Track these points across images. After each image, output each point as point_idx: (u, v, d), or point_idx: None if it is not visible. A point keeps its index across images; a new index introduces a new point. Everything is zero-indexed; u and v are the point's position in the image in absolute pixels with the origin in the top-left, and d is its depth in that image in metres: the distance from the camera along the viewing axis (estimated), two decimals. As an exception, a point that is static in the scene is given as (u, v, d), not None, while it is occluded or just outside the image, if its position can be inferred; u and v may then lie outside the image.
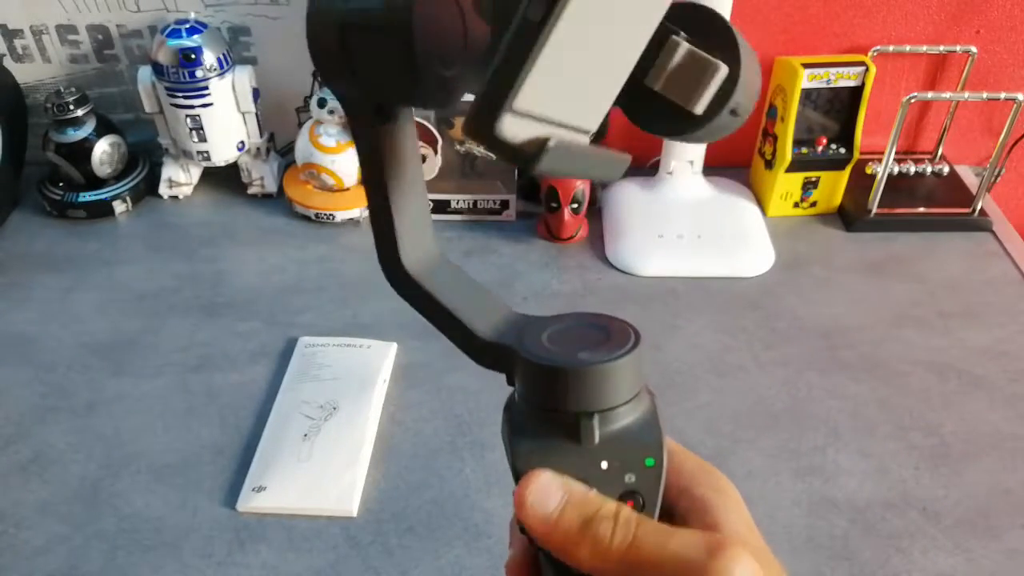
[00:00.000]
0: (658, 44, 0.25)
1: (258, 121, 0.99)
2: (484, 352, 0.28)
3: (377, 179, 0.26)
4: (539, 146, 0.21)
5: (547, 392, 0.26)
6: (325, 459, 0.69)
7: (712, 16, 0.26)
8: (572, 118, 0.23)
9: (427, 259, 0.28)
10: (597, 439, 0.25)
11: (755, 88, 0.26)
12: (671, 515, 0.28)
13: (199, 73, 0.92)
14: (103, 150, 0.97)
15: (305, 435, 0.71)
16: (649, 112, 0.26)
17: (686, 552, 0.23)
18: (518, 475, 0.26)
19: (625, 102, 0.26)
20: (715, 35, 0.25)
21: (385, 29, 0.24)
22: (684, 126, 0.26)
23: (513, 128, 0.20)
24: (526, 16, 0.20)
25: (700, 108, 0.25)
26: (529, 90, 0.20)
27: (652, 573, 0.23)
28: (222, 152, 0.99)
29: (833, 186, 0.97)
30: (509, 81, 0.20)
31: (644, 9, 0.24)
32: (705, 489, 0.28)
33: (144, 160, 1.04)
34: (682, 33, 0.26)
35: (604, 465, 0.26)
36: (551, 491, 0.24)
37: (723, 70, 0.25)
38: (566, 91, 0.22)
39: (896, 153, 0.92)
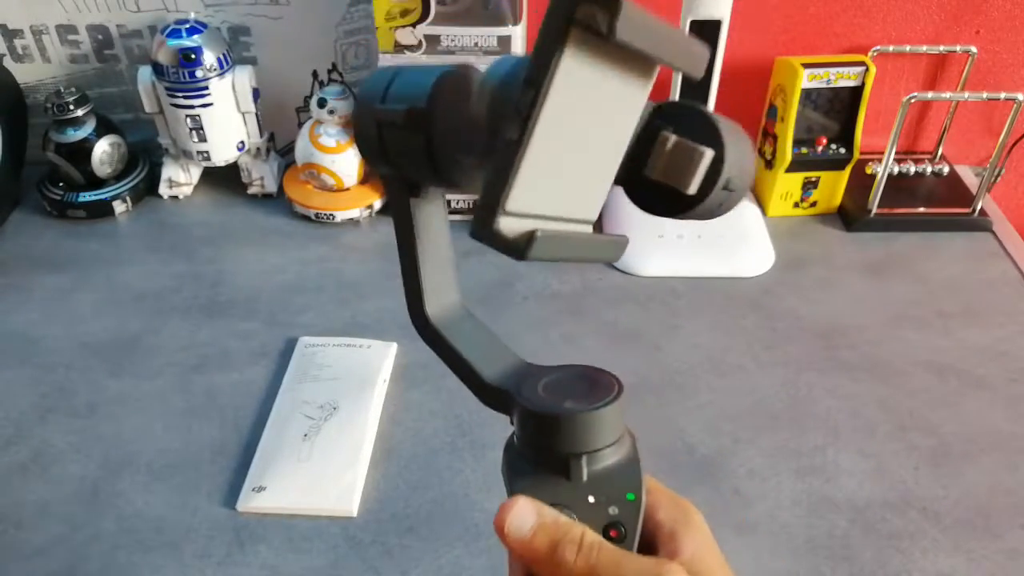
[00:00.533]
0: (651, 140, 0.30)
1: (258, 121, 1.00)
2: (490, 395, 0.32)
3: (408, 243, 0.30)
4: (528, 238, 0.24)
5: (541, 435, 0.29)
6: (325, 459, 0.69)
7: (694, 110, 0.30)
8: (567, 211, 0.27)
9: (448, 310, 0.32)
10: (585, 477, 0.29)
11: (745, 163, 0.30)
12: (644, 540, 0.31)
13: (199, 73, 0.92)
14: (103, 150, 0.97)
15: (305, 435, 0.71)
16: (653, 198, 0.31)
17: (639, 571, 0.27)
18: None
19: (631, 192, 0.31)
20: (699, 125, 0.30)
21: (409, 128, 0.29)
22: (683, 206, 0.30)
23: (510, 226, 0.24)
24: (506, 136, 0.24)
25: (693, 189, 0.29)
26: (516, 195, 0.24)
27: None
28: (222, 152, 0.99)
29: (833, 186, 0.97)
30: (498, 191, 0.24)
31: (618, 115, 0.28)
32: (674, 521, 0.31)
33: (144, 160, 1.04)
34: (671, 128, 0.30)
35: (591, 499, 0.29)
36: (526, 515, 0.28)
37: (708, 154, 0.29)
38: (554, 190, 0.26)
39: (896, 153, 0.92)
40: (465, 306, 0.33)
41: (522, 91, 0.24)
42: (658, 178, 0.30)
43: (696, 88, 0.90)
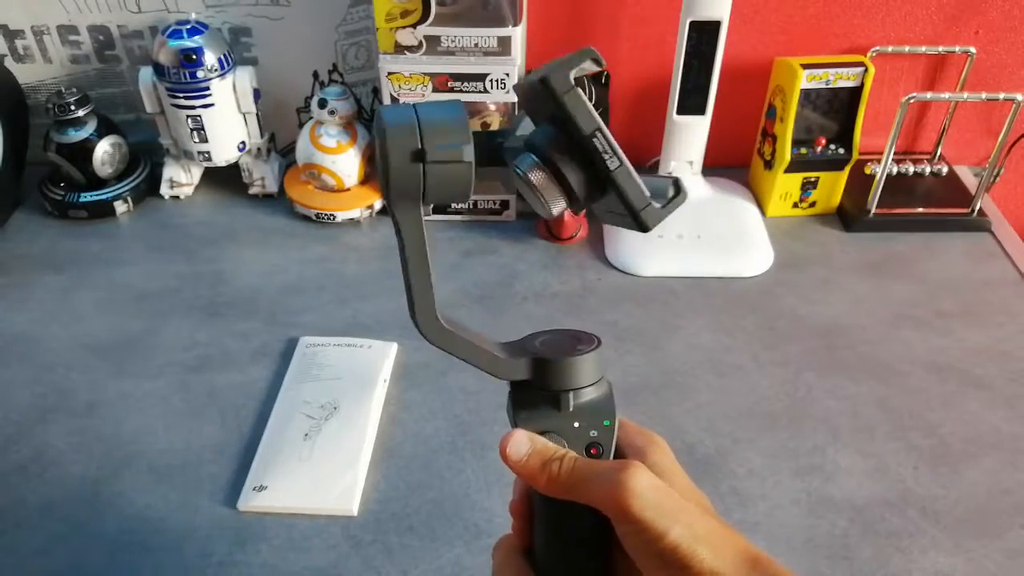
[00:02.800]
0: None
1: (259, 121, 1.00)
2: (503, 368, 0.38)
3: (421, 258, 0.36)
4: (661, 210, 0.35)
5: (538, 377, 0.38)
6: (326, 459, 0.70)
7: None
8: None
9: (443, 313, 0.38)
10: (571, 408, 0.38)
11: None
12: (621, 458, 0.39)
13: (200, 74, 0.92)
14: (104, 150, 0.97)
15: (306, 435, 0.72)
16: (609, 213, 0.39)
17: (605, 470, 0.35)
18: None
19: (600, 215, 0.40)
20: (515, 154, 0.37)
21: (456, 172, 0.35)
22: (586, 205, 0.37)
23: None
24: (609, 167, 0.35)
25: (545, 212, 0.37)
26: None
27: (585, 486, 0.36)
28: (223, 152, 0.99)
29: (832, 186, 0.97)
30: (639, 192, 0.35)
31: None
32: (642, 443, 0.39)
33: (145, 160, 1.04)
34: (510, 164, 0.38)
35: (576, 425, 0.38)
36: (522, 443, 0.37)
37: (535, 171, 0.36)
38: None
39: (895, 153, 0.93)
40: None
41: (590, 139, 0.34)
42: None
43: (695, 89, 0.90)
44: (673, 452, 0.39)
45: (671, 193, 0.35)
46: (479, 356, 0.38)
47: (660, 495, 0.34)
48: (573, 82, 0.33)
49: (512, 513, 0.41)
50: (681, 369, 0.79)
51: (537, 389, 0.38)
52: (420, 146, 0.34)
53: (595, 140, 0.34)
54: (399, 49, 0.88)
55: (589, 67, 0.35)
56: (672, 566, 0.33)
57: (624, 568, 0.37)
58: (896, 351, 0.81)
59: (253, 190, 1.03)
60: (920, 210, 0.97)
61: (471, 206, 0.97)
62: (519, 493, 0.41)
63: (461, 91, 0.88)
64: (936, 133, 1.05)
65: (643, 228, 0.35)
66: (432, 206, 0.99)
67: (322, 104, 0.94)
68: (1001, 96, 0.88)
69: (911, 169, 0.98)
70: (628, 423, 0.41)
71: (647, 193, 0.34)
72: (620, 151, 0.34)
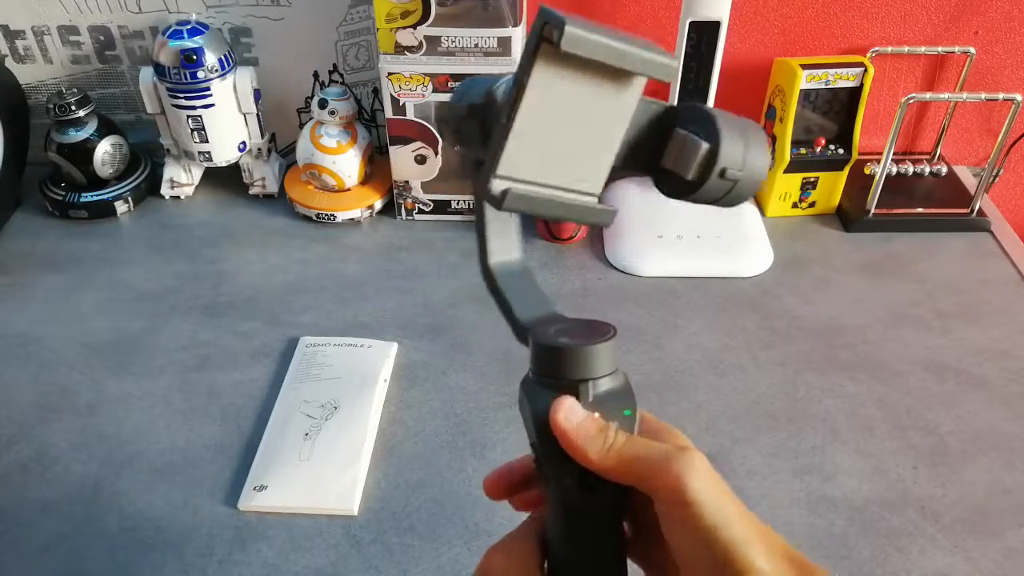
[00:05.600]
0: (667, 135, 0.38)
1: (259, 122, 1.00)
2: (519, 332, 0.38)
3: (479, 209, 0.37)
4: (504, 193, 0.33)
5: (556, 367, 0.37)
6: (326, 458, 0.70)
7: (702, 110, 0.37)
8: (560, 182, 0.35)
9: (507, 265, 0.39)
10: (591, 398, 0.36)
11: (744, 157, 0.36)
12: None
13: (200, 74, 0.92)
14: (105, 151, 0.97)
15: (306, 434, 0.72)
16: (667, 183, 0.38)
17: (664, 448, 0.35)
18: (539, 428, 0.36)
19: (654, 178, 0.39)
20: (704, 123, 0.36)
21: (470, 116, 0.38)
22: (687, 190, 0.37)
23: (499, 186, 0.33)
24: (500, 120, 0.33)
25: (691, 175, 0.37)
26: (505, 164, 0.33)
27: (643, 461, 0.35)
28: (223, 153, 0.99)
29: (832, 186, 0.97)
30: (492, 160, 0.33)
31: (604, 110, 0.35)
32: (670, 437, 0.39)
33: (146, 160, 1.04)
34: (681, 125, 0.37)
35: (596, 415, 0.36)
36: (576, 409, 0.35)
37: (704, 146, 0.36)
38: (542, 164, 0.34)
39: (894, 153, 0.93)
40: (524, 265, 0.40)
41: (512, 89, 0.33)
42: (668, 166, 0.38)
43: (695, 89, 0.90)
44: None
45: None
46: (506, 311, 0.39)
47: (719, 486, 0.34)
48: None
49: (492, 490, 0.42)
50: (681, 369, 0.79)
51: (554, 378, 0.37)
52: (459, 100, 0.38)
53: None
54: (399, 49, 0.88)
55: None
56: (721, 562, 0.32)
57: (649, 560, 0.37)
58: (895, 351, 0.81)
59: (253, 190, 1.03)
60: (920, 210, 0.97)
61: (471, 206, 0.98)
62: (503, 469, 0.41)
63: (461, 91, 0.88)
64: (936, 133, 1.05)
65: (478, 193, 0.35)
66: (427, 207, 0.99)
67: (322, 104, 0.94)
68: (1000, 96, 0.88)
69: (911, 169, 0.98)
70: (649, 417, 0.40)
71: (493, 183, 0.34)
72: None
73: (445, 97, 0.89)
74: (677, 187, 0.38)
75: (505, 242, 0.39)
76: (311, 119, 0.97)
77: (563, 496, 0.37)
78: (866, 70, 0.90)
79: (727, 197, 0.38)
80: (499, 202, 0.33)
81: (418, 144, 0.93)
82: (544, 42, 0.31)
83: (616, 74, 0.34)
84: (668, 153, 0.38)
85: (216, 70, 0.93)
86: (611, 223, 0.38)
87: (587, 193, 0.37)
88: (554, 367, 0.37)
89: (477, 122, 0.38)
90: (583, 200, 0.37)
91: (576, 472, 0.36)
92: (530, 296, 0.40)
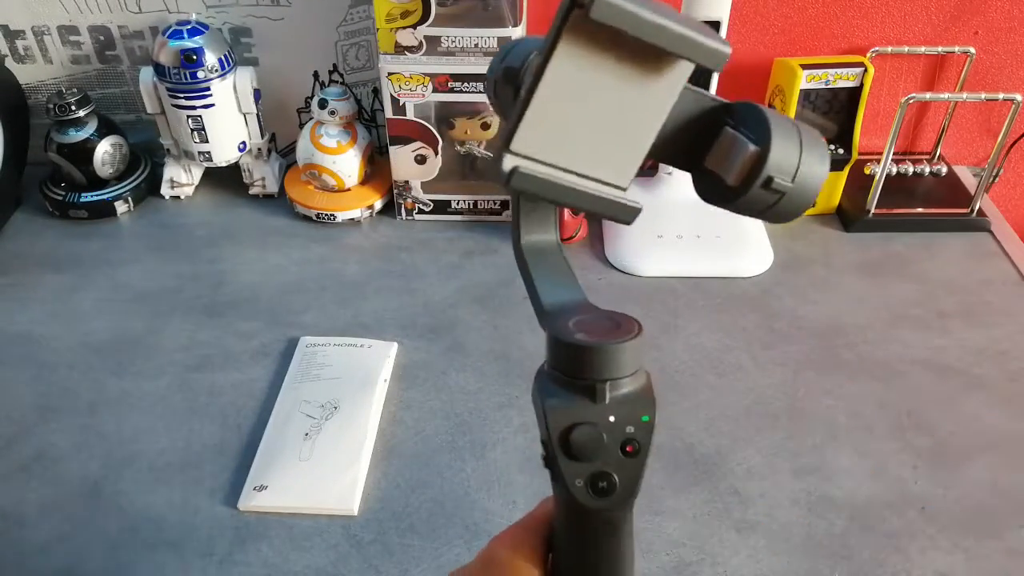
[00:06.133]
0: (716, 133, 0.34)
1: (259, 122, 1.00)
2: (543, 317, 0.36)
3: None
4: (512, 171, 0.30)
5: (572, 363, 0.34)
6: (326, 458, 0.70)
7: (758, 110, 0.33)
8: (581, 167, 0.32)
9: (540, 245, 0.38)
10: (608, 400, 0.34)
11: (796, 168, 0.33)
12: None
13: (200, 74, 0.92)
14: (105, 151, 0.97)
15: (306, 434, 0.72)
16: (707, 186, 0.35)
17: None
18: (548, 426, 0.34)
19: (694, 178, 0.36)
20: (757, 125, 0.33)
21: (506, 81, 0.37)
22: (726, 196, 0.34)
23: (512, 163, 0.30)
24: (522, 91, 0.30)
25: (733, 180, 0.34)
26: (521, 138, 0.30)
27: None
28: (223, 153, 0.99)
29: (832, 186, 0.97)
30: (508, 133, 0.30)
31: (640, 94, 0.31)
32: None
33: (146, 160, 1.04)
34: (732, 123, 0.34)
35: (612, 419, 0.34)
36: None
37: (751, 149, 0.33)
38: (563, 145, 0.31)
39: (894, 153, 0.93)
40: (559, 247, 0.38)
41: (538, 57, 0.30)
42: (711, 167, 0.35)
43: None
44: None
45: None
46: (532, 293, 0.37)
47: None
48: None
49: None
50: (680, 368, 0.79)
51: (571, 376, 0.34)
52: (501, 61, 0.36)
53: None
54: (399, 49, 0.88)
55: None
56: None
57: None
58: (895, 351, 0.81)
59: (253, 190, 1.03)
60: (919, 210, 0.97)
61: (471, 206, 0.98)
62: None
63: (461, 91, 0.88)
64: (936, 133, 1.05)
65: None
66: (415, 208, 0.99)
67: (322, 104, 0.94)
68: (1000, 96, 0.88)
69: (910, 169, 0.98)
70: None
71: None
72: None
73: (445, 97, 0.89)
74: (717, 192, 0.35)
75: (539, 221, 0.38)
76: (311, 119, 0.97)
77: (573, 498, 0.35)
78: (866, 70, 0.90)
79: (772, 210, 0.34)
80: (506, 179, 0.30)
81: (418, 144, 0.93)
82: (575, 7, 0.28)
83: (656, 54, 0.30)
84: (713, 152, 0.35)
85: (216, 70, 0.93)
86: (632, 221, 0.34)
87: (611, 184, 0.33)
88: (569, 364, 0.34)
89: (512, 89, 0.36)
90: (605, 191, 0.33)
91: (587, 474, 0.35)
92: (559, 280, 0.38)
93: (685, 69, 0.31)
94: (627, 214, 0.34)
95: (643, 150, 0.33)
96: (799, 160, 0.33)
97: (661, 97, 0.32)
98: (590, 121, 0.31)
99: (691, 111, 0.34)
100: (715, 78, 0.87)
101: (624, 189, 0.33)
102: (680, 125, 0.34)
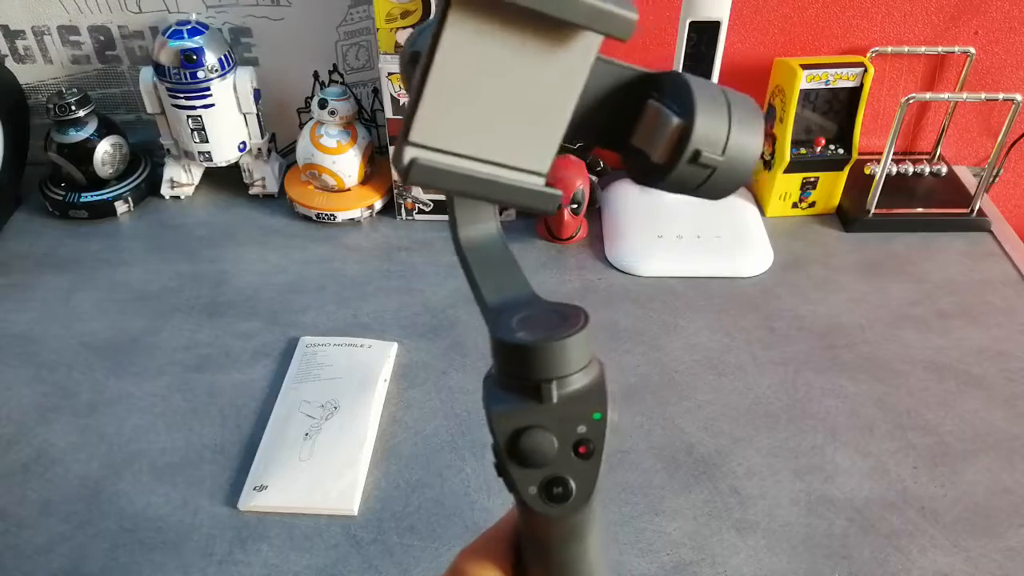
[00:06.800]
0: (640, 108, 0.32)
1: (259, 122, 1.00)
2: (487, 316, 0.34)
3: None
4: (410, 164, 0.27)
5: (514, 364, 0.32)
6: (326, 458, 0.70)
7: (679, 79, 0.31)
8: (491, 155, 0.29)
9: (479, 237, 0.35)
10: (555, 399, 0.31)
11: (725, 139, 0.30)
12: None
13: (200, 74, 0.92)
14: (105, 151, 0.97)
15: (306, 434, 0.72)
16: (635, 165, 0.33)
17: None
18: (494, 431, 0.32)
19: (622, 157, 0.33)
20: (682, 95, 0.30)
21: (412, 63, 0.33)
22: (655, 175, 0.32)
23: (413, 155, 0.27)
24: (415, 78, 0.27)
25: (658, 157, 0.31)
26: (418, 129, 0.27)
27: None
28: (224, 153, 0.99)
29: (832, 186, 0.97)
30: (406, 124, 0.27)
31: (547, 73, 0.28)
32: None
33: (146, 160, 1.04)
34: (657, 96, 0.31)
35: (560, 419, 0.32)
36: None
37: (674, 122, 0.30)
38: (468, 133, 0.28)
39: (894, 153, 0.93)
40: (501, 237, 0.36)
41: (429, 39, 0.26)
42: (637, 144, 0.32)
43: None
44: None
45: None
46: (476, 292, 0.34)
47: None
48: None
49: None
50: (681, 369, 0.79)
51: (515, 377, 0.32)
52: (411, 43, 0.33)
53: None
54: (399, 49, 0.88)
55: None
56: None
57: None
58: (895, 351, 0.81)
59: (253, 190, 1.03)
60: (919, 210, 0.97)
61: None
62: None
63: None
64: (935, 133, 1.05)
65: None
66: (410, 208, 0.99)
67: (322, 104, 0.94)
68: (1000, 96, 0.88)
69: (910, 169, 0.98)
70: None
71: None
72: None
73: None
74: (645, 170, 0.32)
75: (477, 211, 0.35)
76: (311, 119, 0.97)
77: (528, 506, 0.34)
78: (866, 70, 0.90)
79: (705, 186, 0.32)
80: (405, 174, 0.27)
81: (396, 140, 0.93)
82: None
83: (557, 26, 0.27)
84: (638, 129, 0.32)
85: (216, 70, 0.93)
86: (554, 210, 0.31)
87: (528, 171, 0.30)
88: (511, 365, 0.32)
89: (420, 71, 0.33)
90: (521, 179, 0.30)
91: (540, 480, 0.33)
92: (502, 275, 0.35)
93: (594, 39, 0.28)
94: (546, 202, 0.30)
95: (558, 131, 0.30)
96: (728, 131, 0.30)
97: (571, 71, 0.29)
98: (495, 103, 0.28)
99: (610, 85, 0.31)
100: (717, 67, 0.87)
101: (543, 175, 0.30)
102: (599, 101, 0.31)
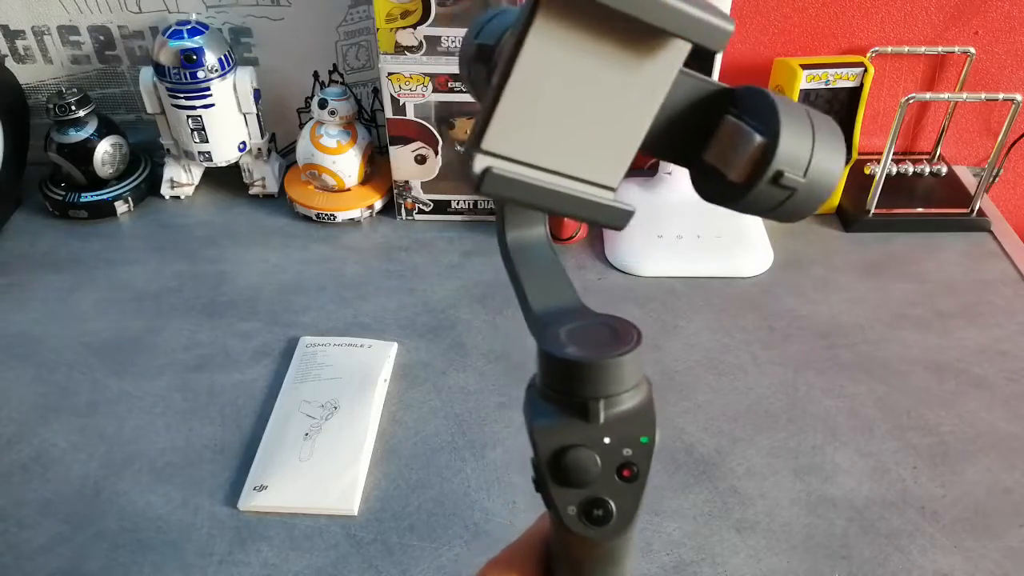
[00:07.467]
0: (717, 122, 0.30)
1: (259, 122, 1.00)
2: (532, 324, 0.33)
3: None
4: (483, 173, 0.26)
5: (562, 379, 0.31)
6: (326, 458, 0.70)
7: (763, 96, 0.29)
8: (563, 166, 0.28)
9: (528, 241, 0.34)
10: (602, 419, 0.31)
11: (809, 162, 0.29)
12: None
13: (200, 74, 0.92)
14: (105, 150, 0.97)
15: (306, 434, 0.72)
16: (707, 183, 0.31)
17: None
18: (536, 446, 0.31)
19: (692, 174, 0.32)
20: (765, 113, 0.29)
21: (479, 59, 0.32)
22: (730, 194, 0.30)
23: (485, 163, 0.26)
24: (494, 81, 0.26)
25: (736, 176, 0.30)
26: (493, 136, 0.26)
27: None
28: (223, 153, 0.99)
29: (832, 186, 0.97)
30: (479, 130, 0.26)
31: (629, 82, 0.27)
32: None
33: (146, 160, 1.04)
34: (736, 112, 0.30)
35: (607, 440, 0.31)
36: None
37: (757, 140, 0.29)
38: (542, 142, 0.27)
39: (894, 153, 0.93)
40: (549, 243, 0.35)
41: (511, 37, 0.25)
42: (712, 161, 0.31)
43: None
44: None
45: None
46: (520, 296, 0.33)
47: None
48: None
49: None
50: (681, 369, 0.79)
51: (562, 393, 0.31)
52: (476, 35, 0.31)
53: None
54: (399, 49, 0.88)
55: None
56: None
57: None
58: (895, 351, 0.81)
59: (253, 190, 1.03)
60: (919, 210, 0.97)
61: (471, 206, 0.98)
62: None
63: (461, 91, 0.88)
64: (936, 133, 1.05)
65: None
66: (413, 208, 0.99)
67: (322, 104, 0.94)
68: (1000, 96, 0.88)
69: (910, 169, 0.98)
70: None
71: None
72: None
73: (445, 97, 0.89)
74: (719, 189, 0.31)
75: (526, 215, 0.34)
76: (311, 119, 0.97)
77: (565, 526, 0.32)
78: (866, 70, 0.90)
79: (781, 208, 0.30)
80: (478, 183, 0.27)
81: (418, 144, 0.93)
82: None
83: (646, 32, 0.26)
84: (714, 145, 0.31)
85: (216, 70, 0.93)
86: (624, 226, 0.30)
87: (599, 185, 0.29)
88: (559, 380, 0.31)
89: (487, 70, 0.31)
90: (592, 193, 0.29)
91: (580, 500, 0.31)
92: (550, 282, 0.34)
93: (681, 50, 0.27)
94: (617, 218, 0.29)
95: (634, 145, 0.29)
96: (812, 152, 0.29)
97: (654, 83, 0.28)
98: (573, 113, 0.27)
99: (688, 99, 0.30)
100: (717, 66, 0.87)
101: (613, 190, 0.29)
102: (676, 115, 0.30)
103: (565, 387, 0.31)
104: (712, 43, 0.26)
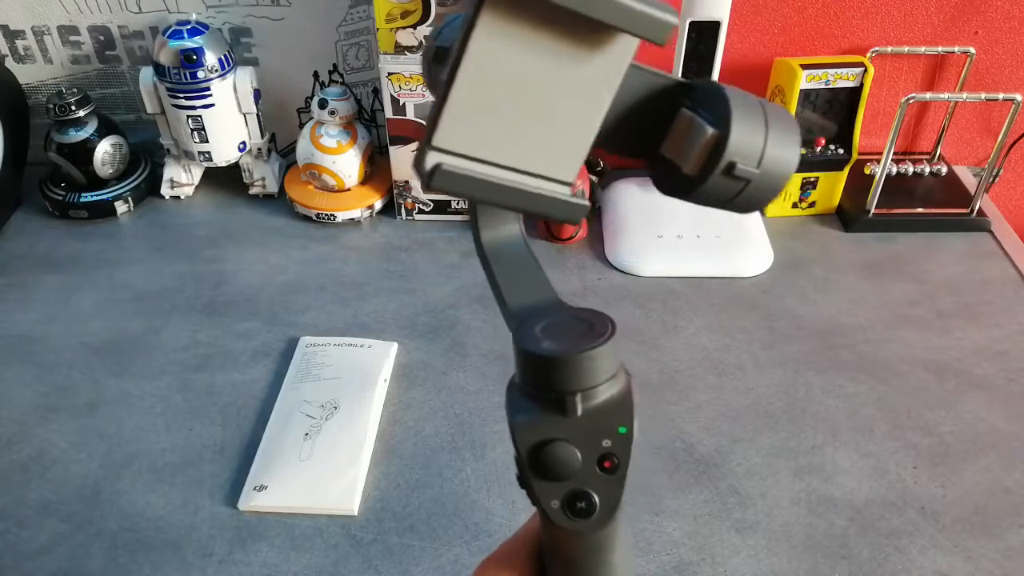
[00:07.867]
0: (672, 117, 0.31)
1: (259, 122, 1.00)
2: (509, 321, 0.33)
3: None
4: (433, 170, 0.26)
5: (537, 375, 0.31)
6: (326, 458, 0.70)
7: (715, 88, 0.30)
8: (516, 162, 0.28)
9: (502, 239, 0.34)
10: (579, 412, 0.31)
11: (761, 152, 0.29)
12: None
13: (200, 74, 0.92)
14: (105, 150, 0.97)
15: (306, 434, 0.72)
16: (665, 176, 0.32)
17: None
18: (516, 442, 0.32)
19: (650, 168, 0.32)
20: (714, 104, 0.29)
21: (438, 61, 0.32)
22: (685, 187, 0.31)
23: (436, 160, 0.26)
24: (442, 77, 0.26)
25: (690, 168, 0.30)
26: (443, 133, 0.26)
27: None
28: (224, 153, 0.99)
29: (832, 186, 0.97)
30: (429, 127, 0.26)
31: (579, 77, 0.27)
32: None
33: (146, 160, 1.04)
34: (690, 105, 0.30)
35: (585, 433, 0.31)
36: None
37: (708, 131, 0.29)
38: (493, 138, 0.27)
39: (894, 153, 0.93)
40: (524, 239, 0.35)
41: (458, 38, 0.25)
42: (667, 154, 0.31)
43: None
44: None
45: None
46: (497, 295, 0.33)
47: None
48: None
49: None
50: (681, 369, 0.79)
51: (539, 388, 0.31)
52: (436, 36, 0.31)
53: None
54: (399, 49, 0.88)
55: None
56: None
57: None
58: (895, 351, 0.81)
59: (253, 190, 1.03)
60: (919, 210, 0.97)
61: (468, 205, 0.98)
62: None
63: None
64: (936, 133, 1.05)
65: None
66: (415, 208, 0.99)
67: (322, 104, 0.94)
68: (1000, 96, 0.88)
69: (910, 169, 0.98)
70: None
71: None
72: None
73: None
74: (675, 182, 0.31)
75: (501, 213, 0.34)
76: (311, 119, 0.97)
77: (550, 519, 0.33)
78: (866, 70, 0.90)
79: (737, 199, 0.31)
80: (427, 180, 0.26)
81: (418, 144, 0.93)
82: None
83: (591, 27, 0.26)
84: (669, 138, 0.31)
85: (216, 70, 0.93)
86: (579, 221, 0.30)
87: (554, 180, 0.29)
88: (535, 376, 0.31)
89: (446, 70, 0.31)
90: (546, 188, 0.29)
91: (563, 494, 0.32)
92: (527, 279, 0.34)
93: (629, 44, 0.27)
94: (572, 213, 0.29)
95: (588, 139, 0.29)
96: (764, 143, 0.29)
97: (604, 77, 0.28)
98: (523, 108, 0.27)
99: (643, 93, 0.30)
100: (717, 67, 0.87)
101: (569, 184, 0.29)
102: (630, 109, 0.30)
103: (541, 382, 0.31)
104: (654, 36, 0.26)
